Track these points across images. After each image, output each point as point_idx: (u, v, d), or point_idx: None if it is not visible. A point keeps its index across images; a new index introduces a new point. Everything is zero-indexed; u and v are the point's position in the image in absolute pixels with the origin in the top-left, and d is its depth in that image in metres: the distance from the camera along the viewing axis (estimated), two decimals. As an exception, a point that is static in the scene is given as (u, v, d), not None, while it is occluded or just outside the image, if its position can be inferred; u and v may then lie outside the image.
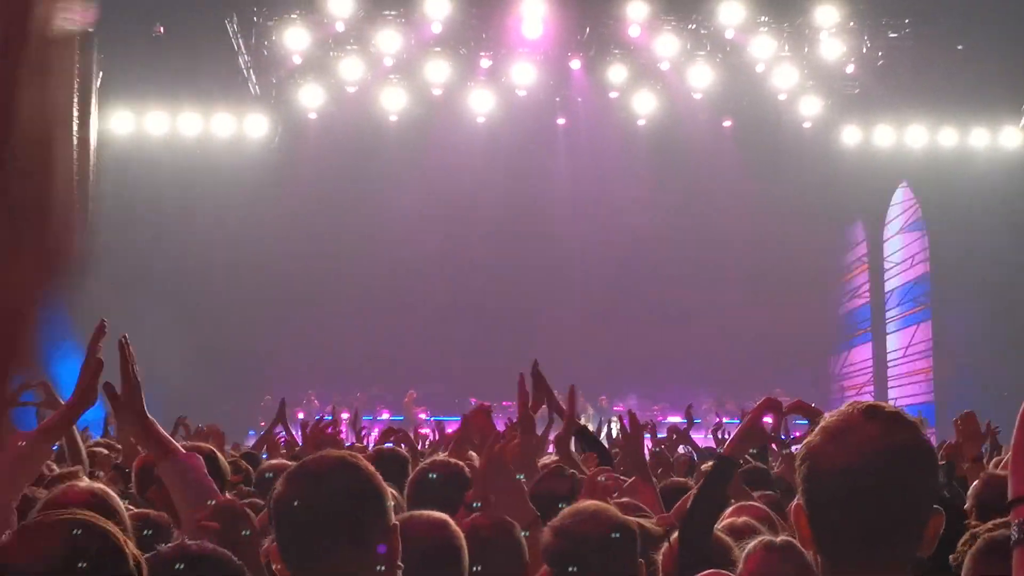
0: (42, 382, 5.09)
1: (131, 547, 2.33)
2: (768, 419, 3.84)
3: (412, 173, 24.63)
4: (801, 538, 2.08)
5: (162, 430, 3.66)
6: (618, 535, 3.20)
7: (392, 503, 2.56)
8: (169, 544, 2.80)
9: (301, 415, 21.95)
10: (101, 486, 3.68)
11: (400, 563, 2.49)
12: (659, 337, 25.06)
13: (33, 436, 3.46)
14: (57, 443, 5.15)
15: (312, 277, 24.83)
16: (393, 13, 22.24)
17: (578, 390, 6.51)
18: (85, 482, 3.79)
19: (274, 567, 2.46)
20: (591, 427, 19.32)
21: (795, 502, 2.08)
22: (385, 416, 22.59)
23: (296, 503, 2.41)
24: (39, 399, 5.21)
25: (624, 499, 4.78)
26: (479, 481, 3.91)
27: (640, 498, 4.94)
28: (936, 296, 24.24)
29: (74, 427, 5.61)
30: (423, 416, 22.62)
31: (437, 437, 11.22)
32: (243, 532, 3.00)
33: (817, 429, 2.04)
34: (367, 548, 2.39)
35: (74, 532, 2.25)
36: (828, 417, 2.07)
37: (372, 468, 2.53)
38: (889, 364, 25.49)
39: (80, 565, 2.21)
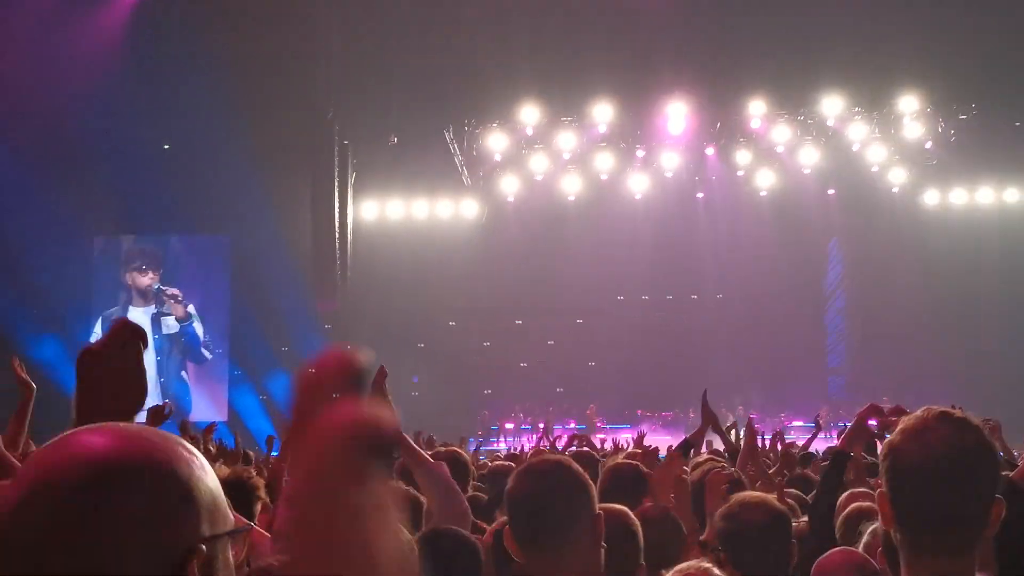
0: None
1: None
2: (872, 421, 3.97)
3: (588, 240, 27.90)
4: (884, 518, 2.13)
5: (412, 443, 4.06)
6: (776, 520, 3.36)
7: (596, 496, 2.67)
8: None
9: (510, 425, 26.98)
10: None
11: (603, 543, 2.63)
12: (779, 360, 28.08)
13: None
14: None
15: (515, 322, 28.39)
16: (569, 119, 25.98)
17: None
18: None
19: (508, 547, 2.62)
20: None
21: (880, 490, 2.13)
22: (572, 425, 25.80)
23: (524, 495, 2.62)
24: None
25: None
26: (656, 488, 4.19)
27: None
28: None
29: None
30: (600, 424, 26.45)
31: (610, 442, 13.20)
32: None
33: (897, 429, 2.11)
34: (579, 532, 2.56)
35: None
36: (906, 420, 2.13)
37: (579, 468, 2.67)
38: None
39: None
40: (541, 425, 25.40)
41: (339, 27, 24.68)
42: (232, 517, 1.19)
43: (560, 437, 14.51)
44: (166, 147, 26.87)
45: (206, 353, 27.57)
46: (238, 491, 4.15)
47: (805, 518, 4.19)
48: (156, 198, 25.73)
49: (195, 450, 1.17)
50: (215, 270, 27.97)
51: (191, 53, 23.61)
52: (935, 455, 2.05)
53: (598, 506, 2.71)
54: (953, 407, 2.17)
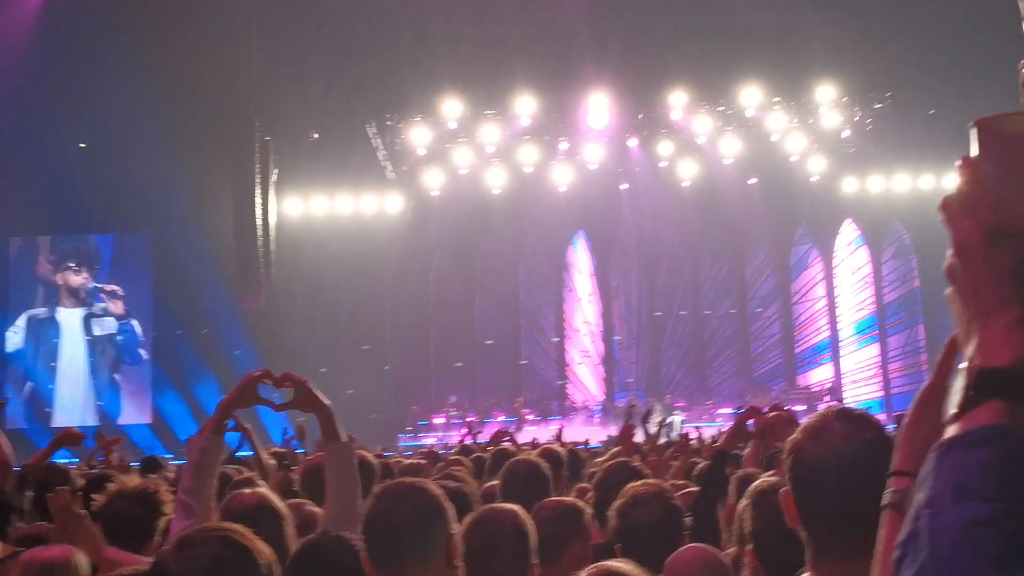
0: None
1: (266, 556, 2.41)
2: (750, 422, 4.24)
3: (512, 231, 28.14)
4: (789, 518, 2.12)
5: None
6: (668, 515, 3.51)
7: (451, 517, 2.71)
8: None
9: (440, 419, 26.96)
10: (264, 491, 3.65)
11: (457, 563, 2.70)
12: (704, 347, 28.52)
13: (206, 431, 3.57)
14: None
15: (439, 315, 28.30)
16: (492, 112, 25.97)
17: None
18: (250, 490, 3.69)
19: (365, 567, 2.66)
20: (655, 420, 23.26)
21: (784, 489, 2.15)
22: (501, 418, 25.88)
23: (379, 516, 2.67)
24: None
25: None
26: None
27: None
28: (927, 306, 27.64)
29: (257, 444, 6.64)
30: (530, 416, 26.43)
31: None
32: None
33: (800, 428, 2.15)
34: (433, 552, 2.64)
35: (219, 547, 2.37)
36: (808, 419, 2.18)
37: (437, 489, 2.76)
38: (890, 360, 28.71)
39: None
40: (470, 419, 25.62)
41: (258, 22, 24.49)
42: None
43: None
44: (82, 145, 26.40)
45: (143, 353, 27.24)
46: (142, 505, 4.08)
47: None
48: (74, 197, 25.35)
49: None
50: (136, 269, 27.62)
51: (106, 48, 23.25)
52: (835, 453, 2.08)
53: (455, 525, 2.81)
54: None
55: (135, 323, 27.35)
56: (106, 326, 27.35)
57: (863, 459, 2.05)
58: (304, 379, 3.58)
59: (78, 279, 27.37)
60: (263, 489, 3.86)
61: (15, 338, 26.97)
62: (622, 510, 3.52)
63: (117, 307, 27.38)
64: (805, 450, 2.13)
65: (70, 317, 27.32)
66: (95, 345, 27.23)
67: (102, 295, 27.37)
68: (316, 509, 4.07)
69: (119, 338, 27.24)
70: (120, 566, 3.41)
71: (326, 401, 3.56)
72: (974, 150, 1.14)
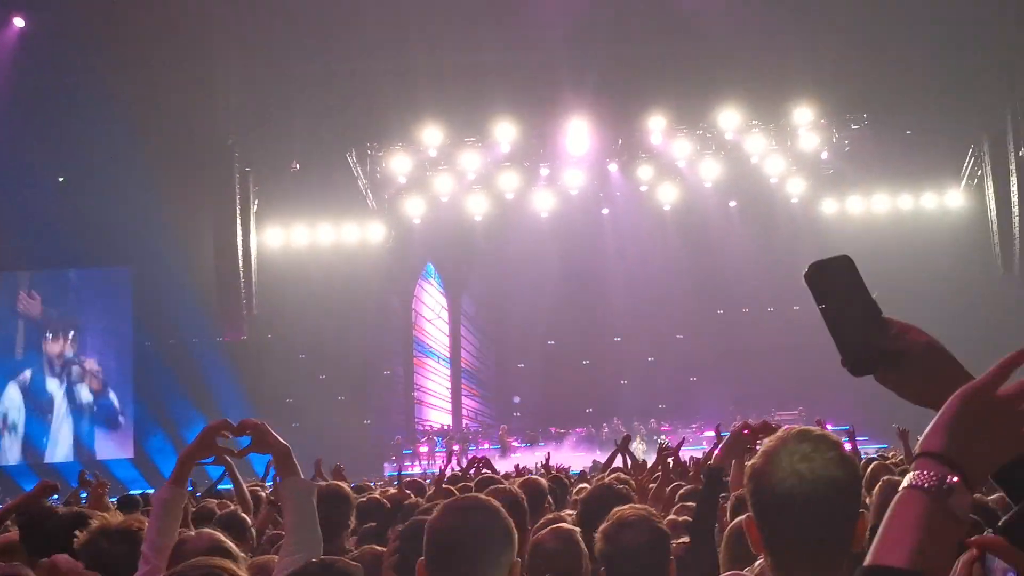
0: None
1: None
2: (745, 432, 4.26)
3: (495, 257, 28.15)
4: (752, 543, 2.11)
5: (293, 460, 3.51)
6: (654, 540, 3.40)
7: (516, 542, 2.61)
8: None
9: (424, 448, 26.89)
10: (217, 535, 3.64)
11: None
12: (688, 371, 28.40)
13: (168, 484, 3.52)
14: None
15: (422, 344, 28.26)
16: (472, 139, 26.08)
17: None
18: (195, 532, 3.71)
19: None
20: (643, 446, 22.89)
21: (748, 514, 2.13)
22: (486, 446, 26.12)
23: (446, 530, 2.56)
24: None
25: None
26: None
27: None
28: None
29: (238, 478, 6.58)
30: (514, 444, 26.55)
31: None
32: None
33: (759, 451, 2.11)
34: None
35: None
36: (767, 442, 2.13)
37: (504, 511, 2.60)
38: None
39: None
40: (456, 447, 25.57)
41: (237, 54, 24.43)
42: None
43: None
44: (61, 180, 26.28)
45: (121, 420, 26.98)
46: (125, 542, 3.98)
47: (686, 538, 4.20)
48: (53, 232, 25.17)
49: None
50: (117, 303, 27.39)
51: (85, 82, 23.21)
52: (793, 476, 2.05)
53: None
54: (819, 422, 2.18)
55: (113, 396, 27.00)
56: (85, 396, 27.10)
57: (821, 483, 2.03)
58: (260, 423, 3.51)
59: (56, 347, 27.05)
60: (211, 531, 3.84)
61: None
62: (608, 532, 3.45)
63: (95, 383, 27.05)
64: (765, 474, 2.09)
65: (51, 383, 27.12)
66: (75, 408, 27.02)
67: (80, 368, 27.06)
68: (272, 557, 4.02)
69: (95, 409, 26.95)
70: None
71: (282, 441, 3.52)
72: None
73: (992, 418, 1.28)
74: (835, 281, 1.48)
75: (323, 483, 5.67)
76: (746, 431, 4.40)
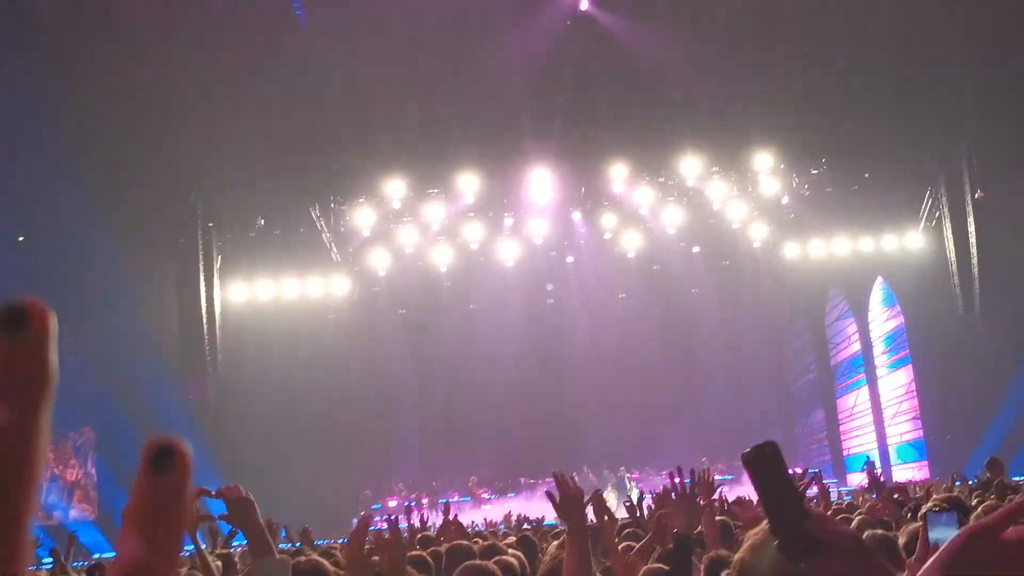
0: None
1: None
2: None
3: (460, 308, 28.15)
4: None
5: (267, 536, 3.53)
6: None
7: None
8: None
9: (393, 502, 26.56)
10: None
11: None
12: (655, 417, 28.39)
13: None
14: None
15: (390, 397, 28.10)
16: (435, 190, 26.07)
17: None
18: None
19: None
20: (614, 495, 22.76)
21: None
22: (456, 498, 24.63)
23: None
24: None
25: None
26: None
27: None
28: (869, 366, 28.12)
29: (198, 542, 6.15)
30: (485, 495, 26.42)
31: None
32: None
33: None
34: None
35: None
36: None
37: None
38: (840, 422, 29.35)
39: None
40: (425, 500, 25.33)
41: (200, 107, 24.34)
42: None
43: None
44: (20, 239, 26.00)
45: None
46: None
47: None
48: (13, 292, 24.61)
49: None
50: (78, 362, 26.90)
51: (43, 138, 22.97)
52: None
53: None
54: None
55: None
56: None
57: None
58: (244, 496, 3.47)
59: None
60: None
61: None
62: None
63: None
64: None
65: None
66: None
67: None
68: None
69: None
70: None
71: (258, 520, 3.46)
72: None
73: (995, 561, 1.28)
74: (762, 468, 1.50)
75: (302, 559, 5.54)
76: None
